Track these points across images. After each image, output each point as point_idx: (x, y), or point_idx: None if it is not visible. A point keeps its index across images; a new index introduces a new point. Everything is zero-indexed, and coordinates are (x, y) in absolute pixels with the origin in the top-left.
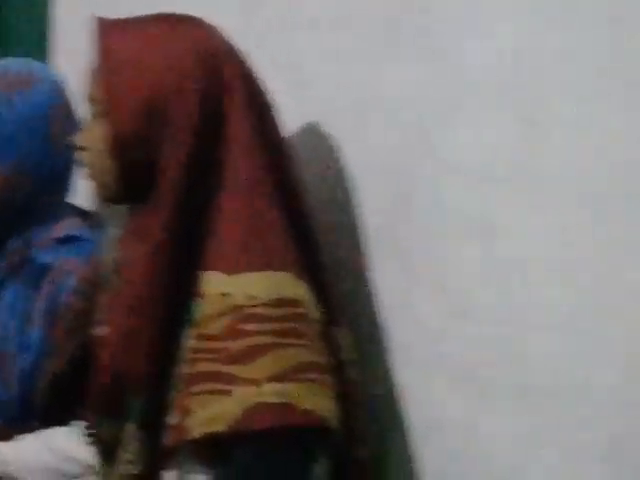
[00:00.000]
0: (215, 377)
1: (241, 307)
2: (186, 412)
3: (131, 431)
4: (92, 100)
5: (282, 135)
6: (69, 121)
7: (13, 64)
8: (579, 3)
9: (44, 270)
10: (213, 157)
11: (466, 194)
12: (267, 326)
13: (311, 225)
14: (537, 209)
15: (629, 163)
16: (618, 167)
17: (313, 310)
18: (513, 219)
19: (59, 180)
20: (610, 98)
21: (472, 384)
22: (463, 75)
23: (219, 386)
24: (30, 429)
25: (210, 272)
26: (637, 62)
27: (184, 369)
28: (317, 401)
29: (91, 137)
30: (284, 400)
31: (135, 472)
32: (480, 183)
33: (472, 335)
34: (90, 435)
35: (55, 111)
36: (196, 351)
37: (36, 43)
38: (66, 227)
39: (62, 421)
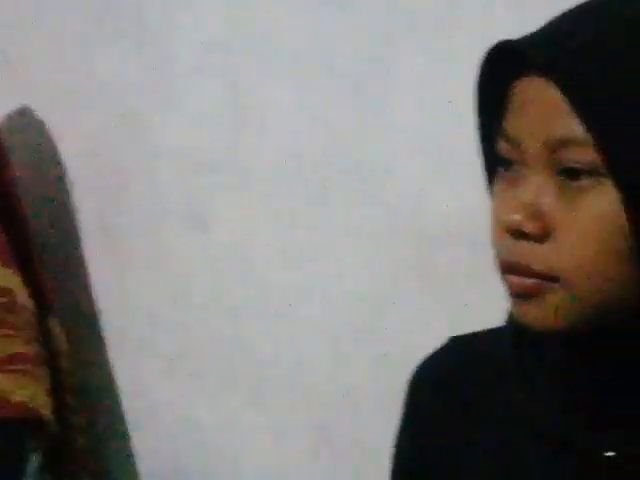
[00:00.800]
0: None
1: None
2: None
3: None
4: None
5: None
6: None
7: None
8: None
9: None
10: None
11: (179, 181)
12: None
13: (20, 213)
14: (249, 196)
15: (345, 151)
16: (334, 155)
17: (23, 299)
18: (225, 206)
19: None
20: (320, 89)
21: (185, 369)
22: (175, 62)
23: None
24: None
25: None
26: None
27: None
28: (28, 392)
29: None
30: None
31: None
32: (192, 170)
33: (185, 320)
34: None
35: None
36: None
37: None
38: None
39: None
